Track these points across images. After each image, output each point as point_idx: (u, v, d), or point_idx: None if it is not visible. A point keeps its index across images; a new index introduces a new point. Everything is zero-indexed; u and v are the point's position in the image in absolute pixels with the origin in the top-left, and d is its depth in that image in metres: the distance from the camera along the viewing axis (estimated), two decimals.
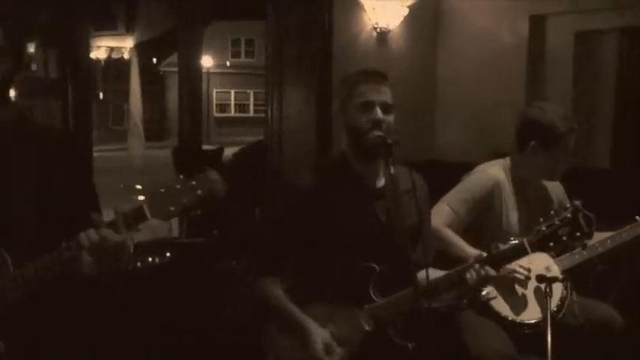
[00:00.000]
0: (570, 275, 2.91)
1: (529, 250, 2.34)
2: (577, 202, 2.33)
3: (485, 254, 2.33)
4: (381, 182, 2.40)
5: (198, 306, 3.68)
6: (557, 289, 2.83)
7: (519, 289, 2.86)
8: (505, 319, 2.81)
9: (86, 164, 2.17)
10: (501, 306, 2.83)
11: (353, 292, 2.30)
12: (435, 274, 2.32)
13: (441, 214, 2.85)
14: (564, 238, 2.30)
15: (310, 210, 2.33)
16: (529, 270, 2.78)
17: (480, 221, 2.92)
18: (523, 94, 4.83)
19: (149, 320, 3.47)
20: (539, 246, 2.34)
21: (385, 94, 2.33)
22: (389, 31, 5.17)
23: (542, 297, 2.68)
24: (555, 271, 2.85)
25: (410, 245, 2.23)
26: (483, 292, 2.81)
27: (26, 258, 1.85)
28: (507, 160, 3.01)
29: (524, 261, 2.79)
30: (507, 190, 2.96)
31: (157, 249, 3.41)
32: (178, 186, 1.79)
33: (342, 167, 2.40)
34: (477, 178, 2.98)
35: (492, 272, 2.30)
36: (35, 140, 2.00)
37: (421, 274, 2.21)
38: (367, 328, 2.28)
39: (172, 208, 1.78)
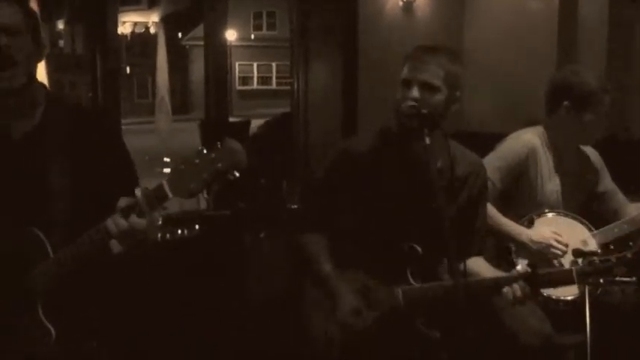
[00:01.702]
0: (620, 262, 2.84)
1: (576, 280, 2.27)
2: None
3: (529, 270, 2.24)
4: (440, 163, 2.28)
5: (225, 279, 3.70)
6: None
7: (555, 263, 2.80)
8: (540, 294, 2.75)
9: (122, 143, 2.14)
10: None
11: (391, 268, 2.27)
12: (479, 263, 2.28)
13: None
14: (617, 278, 2.23)
15: (362, 176, 2.29)
16: (566, 245, 2.73)
17: (515, 190, 2.87)
18: (554, 61, 4.74)
19: (176, 293, 3.50)
20: (588, 279, 2.27)
21: (427, 72, 2.20)
22: (414, 1, 5.10)
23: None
24: (593, 244, 2.78)
25: (457, 233, 2.12)
26: (517, 267, 2.76)
27: (64, 239, 1.86)
28: (541, 128, 2.96)
29: (560, 231, 2.75)
30: (543, 157, 2.89)
31: (185, 221, 3.42)
32: (197, 160, 1.71)
33: (394, 140, 2.33)
34: (510, 145, 2.92)
35: (529, 293, 2.21)
36: (69, 120, 2.00)
37: (469, 263, 2.17)
38: (400, 304, 2.25)
39: (193, 185, 1.72)
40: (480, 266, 2.35)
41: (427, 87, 2.21)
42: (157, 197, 1.76)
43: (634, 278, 2.24)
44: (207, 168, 1.71)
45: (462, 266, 2.09)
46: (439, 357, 2.24)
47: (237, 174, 1.72)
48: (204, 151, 1.71)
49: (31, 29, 1.92)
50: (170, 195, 1.74)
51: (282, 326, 2.46)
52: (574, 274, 2.27)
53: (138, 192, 1.78)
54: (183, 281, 3.53)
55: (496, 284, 2.23)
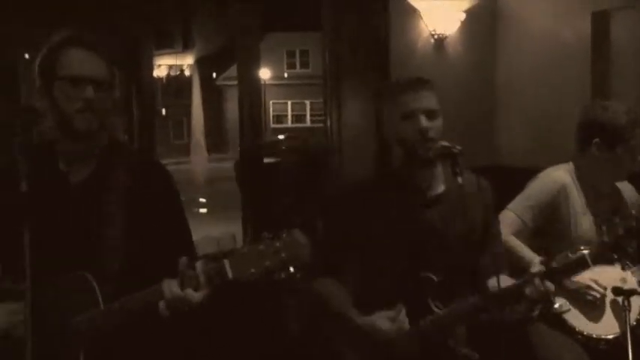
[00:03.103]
0: None
1: (590, 263, 2.26)
2: None
3: (543, 267, 2.25)
4: (440, 189, 2.35)
5: (261, 318, 3.70)
6: (636, 301, 2.66)
7: (594, 302, 2.75)
8: (580, 333, 2.69)
9: (177, 196, 2.14)
10: (576, 319, 2.73)
11: (412, 303, 2.26)
12: (506, 281, 2.26)
13: (507, 222, 2.78)
14: (629, 249, 2.23)
15: (366, 220, 2.32)
16: (605, 287, 2.68)
17: (548, 228, 2.85)
18: (588, 95, 4.69)
19: (215, 334, 3.50)
20: (603, 258, 2.26)
21: (427, 100, 2.27)
22: (446, 37, 5.13)
23: (621, 310, 2.57)
24: (632, 282, 2.73)
25: (475, 251, 2.17)
26: (556, 305, 2.71)
27: (114, 288, 1.89)
28: (571, 164, 2.93)
29: (598, 271, 2.70)
30: (574, 194, 2.87)
31: (220, 275, 3.44)
32: (262, 246, 1.73)
33: (403, 176, 2.36)
34: (541, 183, 2.91)
35: (552, 287, 2.20)
36: (128, 168, 2.04)
37: (491, 281, 2.16)
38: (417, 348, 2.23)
39: (253, 270, 1.73)
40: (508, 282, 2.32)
41: (430, 113, 2.25)
42: (217, 274, 1.78)
43: None
44: (271, 256, 1.73)
45: (495, 282, 2.11)
46: None
47: (299, 267, 1.73)
48: (270, 238, 1.73)
49: (113, 84, 2.00)
50: (230, 276, 1.76)
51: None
52: (587, 258, 2.26)
53: (198, 265, 1.80)
54: (221, 321, 3.53)
55: (518, 289, 2.21)
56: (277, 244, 1.72)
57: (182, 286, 1.79)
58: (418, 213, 2.33)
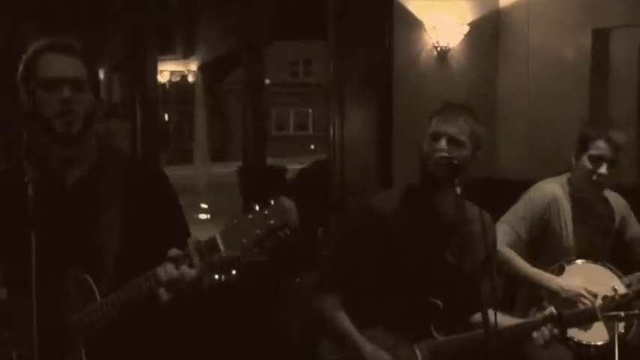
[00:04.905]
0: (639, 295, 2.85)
1: (600, 317, 2.41)
2: None
3: (555, 313, 2.29)
4: (451, 216, 2.34)
5: (262, 325, 3.72)
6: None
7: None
8: (571, 339, 2.75)
9: (174, 195, 2.16)
10: None
11: (413, 324, 2.30)
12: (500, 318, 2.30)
13: (502, 235, 2.82)
14: (637, 311, 2.37)
15: (382, 235, 2.33)
16: (595, 295, 2.74)
17: (541, 239, 2.90)
18: (587, 110, 4.75)
19: (213, 337, 3.53)
20: (610, 312, 2.44)
21: (455, 127, 2.27)
22: (449, 50, 5.17)
23: (610, 319, 2.64)
24: (622, 290, 2.79)
25: (476, 282, 2.17)
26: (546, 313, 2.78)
27: (111, 287, 1.91)
28: (565, 177, 2.99)
29: (590, 280, 2.76)
30: (565, 206, 2.93)
31: (222, 267, 3.46)
32: (250, 216, 1.75)
33: (419, 196, 2.38)
34: (533, 196, 2.97)
35: (558, 333, 2.27)
36: (121, 168, 2.06)
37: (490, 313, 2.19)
38: None
39: (245, 240, 1.75)
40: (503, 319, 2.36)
41: (454, 142, 2.27)
42: (209, 249, 1.80)
43: None
44: (261, 224, 1.74)
45: (492, 315, 2.10)
46: None
47: (289, 232, 1.75)
48: (258, 208, 1.75)
49: (92, 84, 2.01)
50: (222, 248, 1.77)
51: None
52: (597, 311, 2.38)
53: (190, 242, 1.83)
54: (220, 326, 3.57)
55: (524, 329, 2.27)
56: (265, 212, 1.74)
57: (176, 266, 1.82)
58: (435, 237, 2.35)
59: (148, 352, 2.09)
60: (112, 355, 1.95)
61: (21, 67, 2.00)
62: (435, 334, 2.30)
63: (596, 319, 2.35)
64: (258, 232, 1.74)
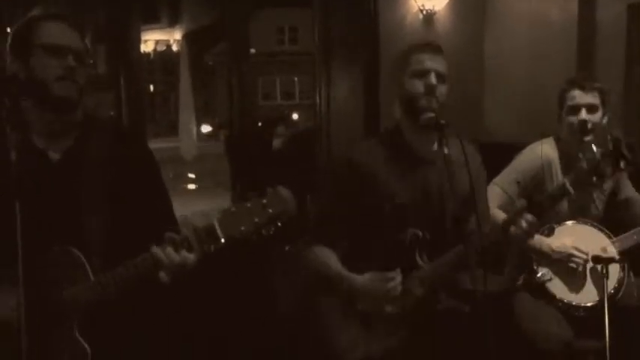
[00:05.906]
0: (628, 256, 2.87)
1: (571, 190, 2.32)
2: (617, 134, 2.31)
3: (525, 203, 2.29)
4: (431, 153, 2.41)
5: (251, 293, 3.72)
6: (615, 270, 2.76)
7: (575, 271, 2.82)
8: (561, 301, 2.77)
9: (156, 166, 2.17)
10: (557, 288, 2.80)
11: (400, 259, 2.34)
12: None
13: (493, 196, 2.83)
14: (608, 169, 2.29)
15: (363, 181, 2.38)
16: (587, 254, 2.75)
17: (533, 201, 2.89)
18: (574, 71, 4.73)
19: (203, 308, 3.53)
20: (583, 182, 2.33)
21: (440, 64, 2.36)
22: (435, 13, 5.14)
23: (599, 278, 2.65)
24: (612, 252, 2.81)
25: (463, 214, 2.25)
26: (539, 274, 2.79)
27: (100, 260, 1.92)
28: (552, 138, 3.00)
29: (580, 241, 2.76)
30: (558, 168, 2.93)
31: (211, 235, 3.46)
32: (249, 204, 1.78)
33: (396, 137, 2.45)
34: (526, 158, 2.96)
35: (533, 219, 2.25)
36: (106, 140, 2.06)
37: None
38: (417, 294, 2.32)
39: (243, 228, 1.78)
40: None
41: (439, 76, 2.34)
42: (207, 235, 1.82)
43: (623, 163, 2.29)
44: (259, 213, 1.78)
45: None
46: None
47: (286, 220, 1.79)
48: (256, 196, 1.79)
49: (88, 57, 2.02)
50: (220, 235, 1.80)
51: (306, 340, 2.50)
52: (568, 185, 2.32)
53: (187, 227, 1.84)
54: (210, 296, 3.56)
55: (502, 227, 2.28)
56: (264, 201, 1.78)
57: (175, 249, 1.83)
58: (409, 171, 2.41)
59: (140, 325, 2.09)
60: (105, 330, 1.94)
61: (14, 31, 1.99)
62: (419, 261, 2.35)
63: (569, 193, 2.32)
64: (257, 220, 1.78)
